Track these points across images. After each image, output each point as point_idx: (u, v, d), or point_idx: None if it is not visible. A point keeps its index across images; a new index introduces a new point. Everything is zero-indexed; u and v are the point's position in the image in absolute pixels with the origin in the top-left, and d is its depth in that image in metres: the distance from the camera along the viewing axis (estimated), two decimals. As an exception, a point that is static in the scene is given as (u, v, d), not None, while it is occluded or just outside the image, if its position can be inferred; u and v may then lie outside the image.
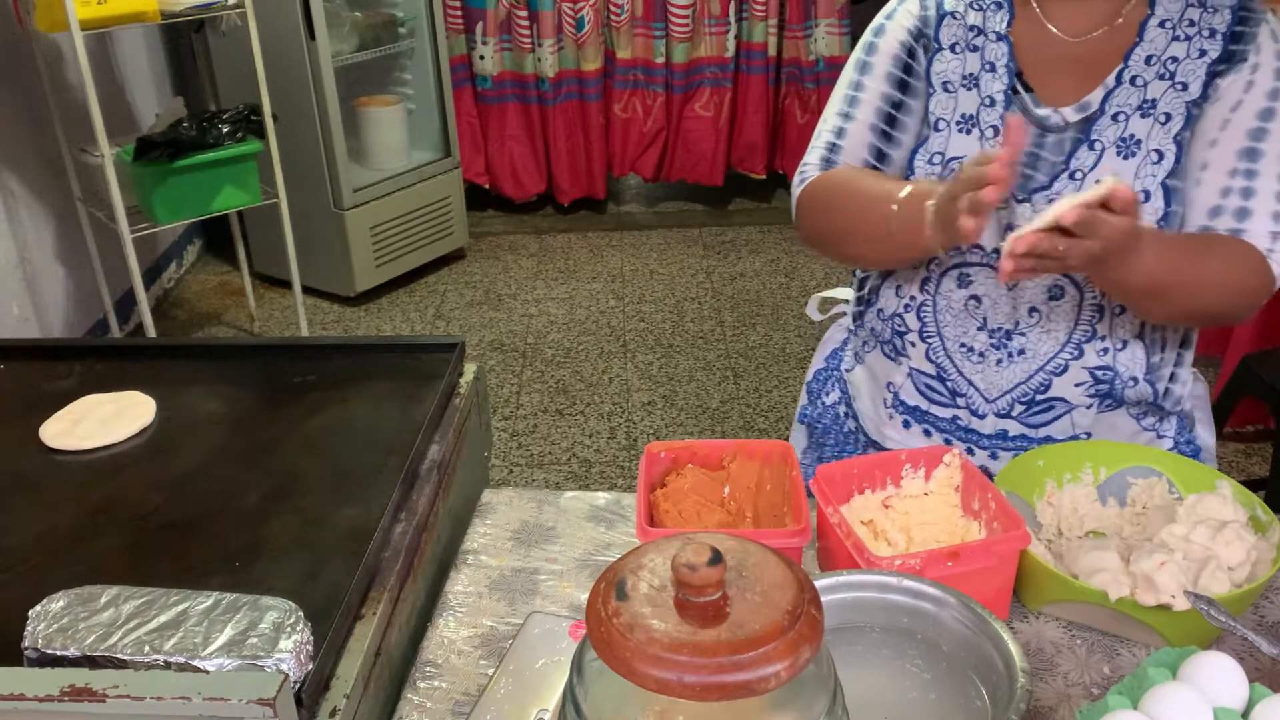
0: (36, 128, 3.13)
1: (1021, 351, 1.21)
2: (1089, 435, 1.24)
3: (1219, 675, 0.80)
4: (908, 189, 1.15)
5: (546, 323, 3.70)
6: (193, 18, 3.02)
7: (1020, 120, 1.04)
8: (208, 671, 0.81)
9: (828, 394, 1.44)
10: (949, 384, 1.25)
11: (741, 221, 4.56)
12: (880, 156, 1.26)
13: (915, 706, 0.89)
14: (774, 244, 4.32)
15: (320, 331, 3.64)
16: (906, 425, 1.30)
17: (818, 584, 0.72)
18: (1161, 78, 1.15)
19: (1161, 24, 1.16)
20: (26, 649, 0.85)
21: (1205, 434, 1.33)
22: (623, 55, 4.38)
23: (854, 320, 1.40)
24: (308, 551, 1.04)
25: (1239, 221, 1.14)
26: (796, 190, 1.30)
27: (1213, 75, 1.14)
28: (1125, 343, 1.20)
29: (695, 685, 0.54)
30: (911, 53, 1.24)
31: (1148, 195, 1.14)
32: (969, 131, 1.20)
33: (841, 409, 1.42)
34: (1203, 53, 1.15)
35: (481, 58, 4.34)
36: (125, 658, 0.82)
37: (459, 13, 4.26)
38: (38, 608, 0.87)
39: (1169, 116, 1.15)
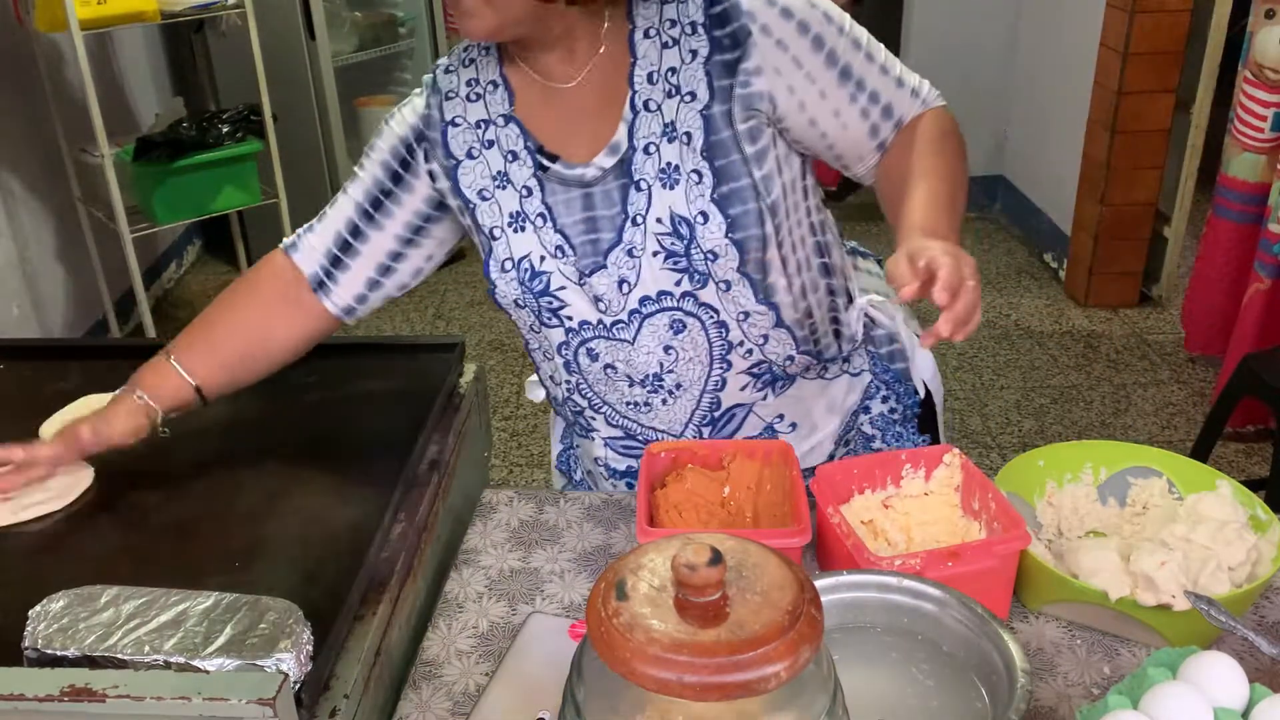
0: (36, 128, 3.13)
1: (679, 385, 1.20)
2: (782, 417, 1.24)
3: (1219, 675, 0.80)
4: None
5: (546, 323, 3.70)
6: (193, 18, 3.02)
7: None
8: (208, 671, 0.81)
9: (575, 471, 1.41)
10: (639, 438, 1.26)
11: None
12: (355, 233, 1.22)
13: (915, 706, 0.89)
14: (774, 244, 4.32)
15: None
16: (630, 487, 1.30)
17: (818, 584, 0.72)
18: (670, 95, 1.10)
19: (645, 34, 1.10)
20: (26, 649, 0.85)
21: (919, 358, 1.34)
22: (622, 55, 4.38)
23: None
24: (308, 551, 1.04)
25: (890, 118, 1.15)
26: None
27: (726, 67, 1.08)
28: (765, 336, 1.19)
29: (695, 685, 0.54)
30: (410, 149, 1.19)
31: (706, 217, 1.10)
32: (522, 229, 1.16)
33: (586, 486, 1.40)
34: (694, 53, 1.09)
35: (481, 58, 4.34)
36: (125, 658, 0.82)
37: (459, 13, 4.26)
38: (38, 608, 0.87)
39: (690, 135, 1.09)
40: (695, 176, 1.10)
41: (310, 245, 1.24)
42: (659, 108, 1.10)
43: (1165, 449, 1.16)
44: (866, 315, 1.31)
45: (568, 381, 1.25)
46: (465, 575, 1.12)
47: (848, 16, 1.14)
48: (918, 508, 1.09)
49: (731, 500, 1.11)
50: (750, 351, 1.19)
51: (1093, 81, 3.51)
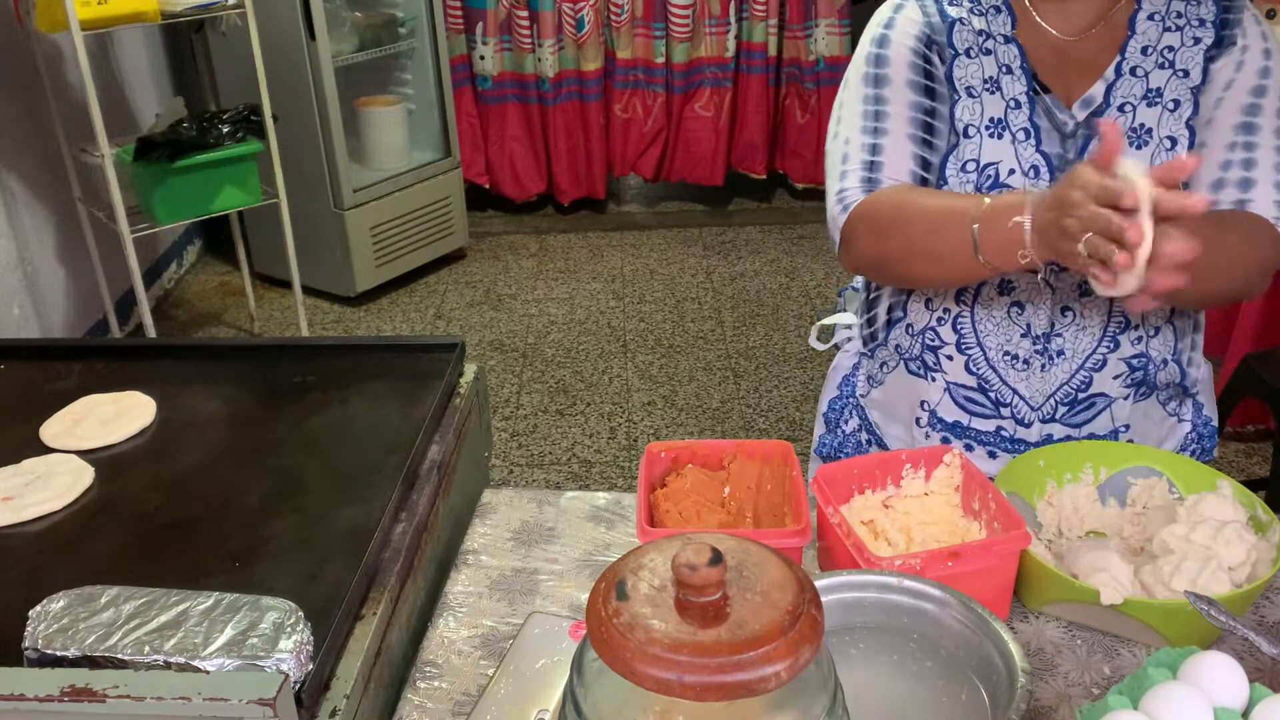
0: (36, 128, 3.13)
1: (1061, 353, 1.21)
2: (1128, 427, 1.25)
3: (1219, 675, 0.80)
4: (986, 203, 1.09)
5: (546, 323, 3.70)
6: (193, 18, 3.02)
7: (1115, 125, 0.99)
8: (208, 672, 0.81)
9: (846, 422, 1.41)
10: (992, 394, 1.24)
11: (741, 221, 4.57)
12: (926, 166, 1.21)
13: (915, 706, 0.89)
14: (774, 244, 4.32)
15: (320, 331, 3.64)
16: (946, 441, 1.28)
17: (818, 584, 0.72)
18: (1162, 67, 1.17)
19: (1150, 16, 1.18)
20: (26, 649, 0.85)
21: (1212, 414, 1.34)
22: (623, 55, 4.38)
23: (867, 343, 1.38)
24: (308, 551, 1.04)
25: (1243, 192, 1.15)
26: (841, 217, 1.21)
27: (1209, 60, 1.16)
28: (1157, 329, 1.22)
29: (695, 685, 0.54)
30: (928, 59, 1.21)
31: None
32: (1000, 136, 1.19)
33: (863, 436, 1.40)
34: (1197, 40, 1.17)
35: (482, 58, 4.34)
36: (125, 658, 0.82)
37: (459, 13, 4.26)
38: (38, 608, 0.87)
39: (1177, 103, 1.16)
40: (1169, 143, 1.15)
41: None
42: (1146, 75, 1.16)
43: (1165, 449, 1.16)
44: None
45: (948, 310, 1.24)
46: (465, 575, 1.12)
47: None
48: (918, 508, 1.09)
49: (731, 500, 1.11)
50: (1140, 339, 1.20)
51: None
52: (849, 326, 1.45)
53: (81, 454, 1.19)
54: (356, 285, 3.78)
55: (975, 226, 1.09)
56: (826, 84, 4.41)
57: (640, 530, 1.01)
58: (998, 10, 1.21)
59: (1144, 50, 1.18)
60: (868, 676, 0.89)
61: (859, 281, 1.44)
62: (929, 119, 1.21)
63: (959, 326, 1.24)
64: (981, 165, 1.19)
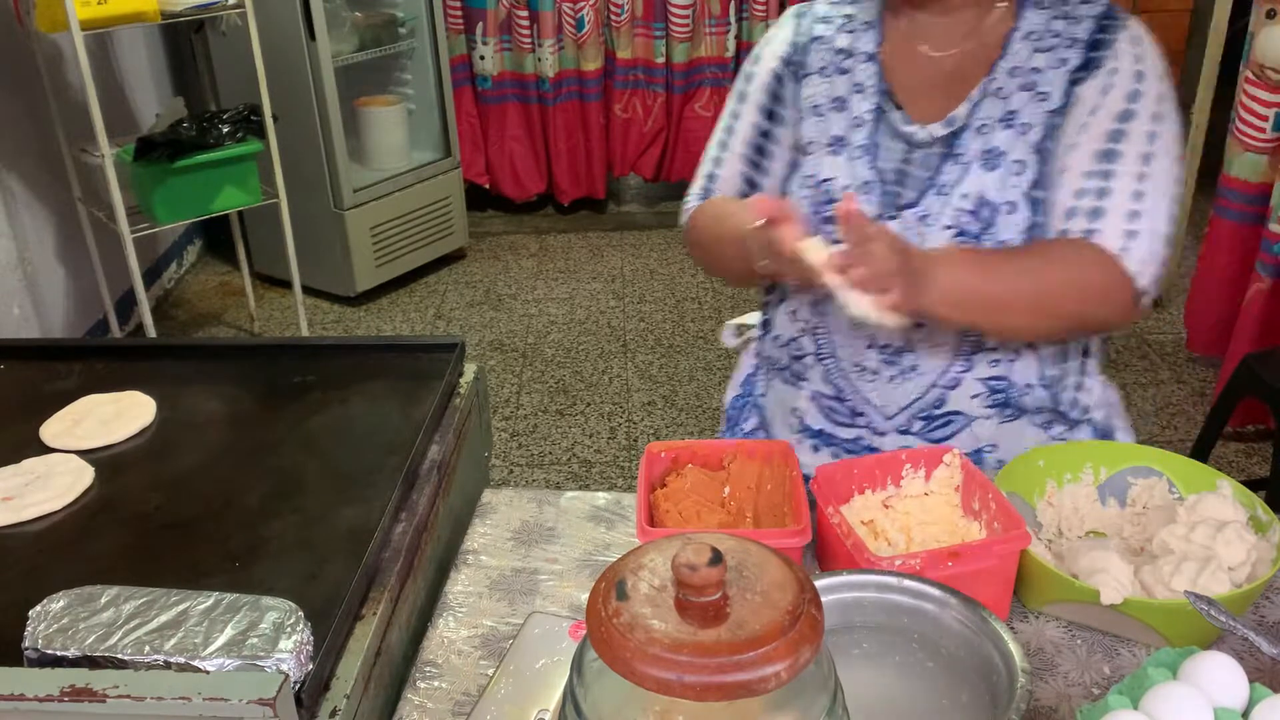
0: (36, 128, 3.13)
1: (914, 367, 1.20)
2: (994, 446, 1.24)
3: (1219, 675, 0.80)
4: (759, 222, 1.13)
5: (546, 323, 3.70)
6: (193, 18, 3.02)
7: (853, 210, 1.02)
8: (208, 672, 0.81)
9: (745, 421, 1.42)
10: (848, 404, 1.25)
11: (741, 221, 4.56)
12: (751, 184, 1.28)
13: (915, 706, 0.89)
14: (774, 244, 4.31)
15: (320, 331, 3.64)
16: (815, 449, 1.30)
17: (818, 584, 0.72)
18: (1023, 89, 1.15)
19: (1026, 36, 1.16)
20: (26, 649, 0.85)
21: (1125, 440, 1.32)
22: (623, 55, 4.38)
23: (761, 346, 1.40)
24: (308, 551, 1.04)
25: (1091, 222, 1.12)
26: (683, 221, 1.34)
27: (1073, 83, 1.14)
28: (1018, 352, 1.19)
29: (695, 685, 0.54)
30: (780, 79, 1.26)
31: (1013, 206, 1.13)
32: (839, 153, 1.20)
33: (760, 436, 1.40)
34: (1063, 61, 1.15)
35: (482, 58, 4.34)
36: (125, 658, 0.82)
37: (459, 13, 4.26)
38: (38, 608, 0.87)
39: (1029, 127, 1.14)
40: (1018, 166, 1.14)
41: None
42: (1008, 97, 1.15)
43: (1165, 449, 1.16)
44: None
45: (807, 321, 1.25)
46: (465, 575, 1.12)
47: (1177, 143, 1.14)
48: (918, 508, 1.09)
49: (731, 500, 1.11)
50: (996, 362, 1.19)
51: (1093, 81, 3.50)
52: (754, 326, 1.46)
53: (81, 454, 1.19)
54: (356, 285, 3.78)
55: (745, 242, 1.14)
56: (826, 84, 4.40)
57: (640, 530, 1.01)
58: (869, 26, 1.23)
59: (1011, 71, 1.16)
60: (868, 676, 0.89)
61: None
62: (763, 141, 1.27)
63: (817, 337, 1.25)
64: (818, 180, 1.21)
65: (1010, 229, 1.13)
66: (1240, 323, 2.78)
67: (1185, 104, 3.42)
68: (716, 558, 0.57)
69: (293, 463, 1.19)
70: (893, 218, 1.17)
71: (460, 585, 1.11)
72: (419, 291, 3.95)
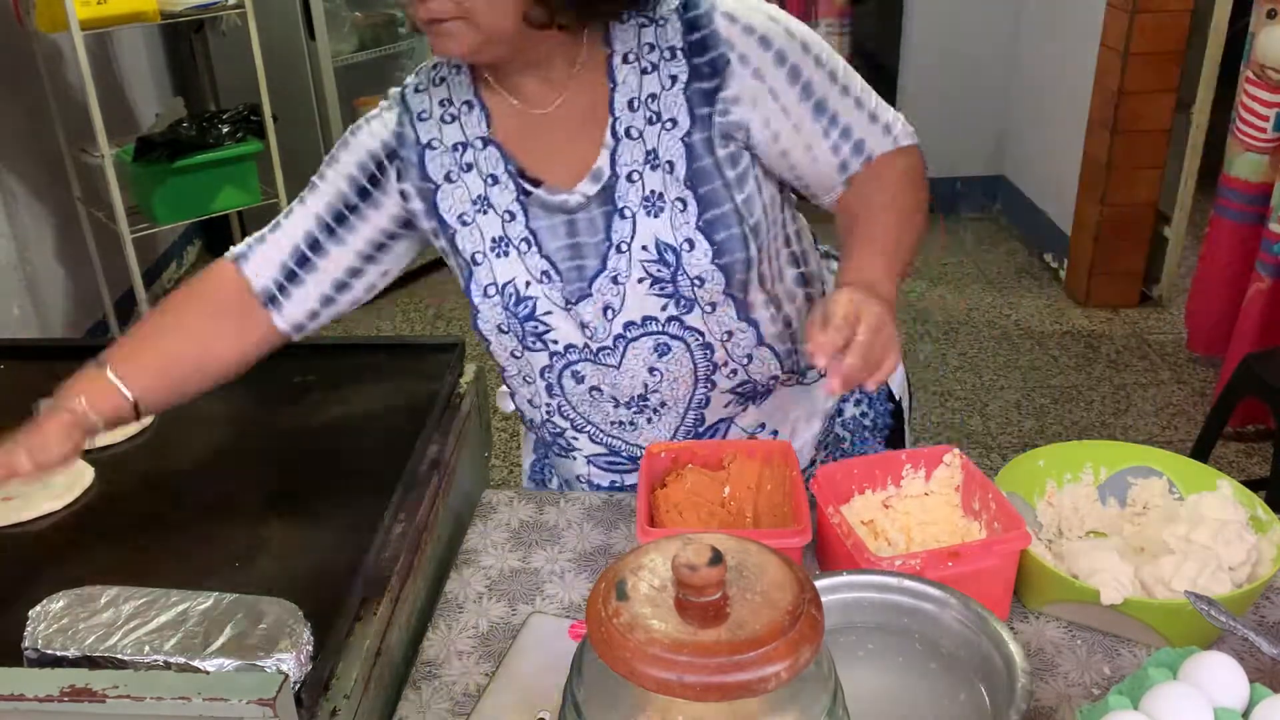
0: (36, 128, 3.12)
1: (663, 404, 1.20)
2: (764, 426, 1.25)
3: (1219, 675, 0.80)
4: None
5: (546, 323, 3.70)
6: (193, 18, 3.02)
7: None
8: (208, 672, 0.81)
9: (549, 481, 1.39)
10: (624, 454, 1.25)
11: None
12: (315, 247, 1.18)
13: (915, 707, 0.89)
14: (774, 244, 4.32)
15: (320, 331, 3.64)
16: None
17: (818, 584, 0.72)
18: (651, 122, 1.09)
19: (625, 59, 1.09)
20: (26, 649, 0.85)
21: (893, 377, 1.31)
22: (623, 55, 4.38)
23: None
24: (308, 551, 1.04)
25: (860, 154, 1.14)
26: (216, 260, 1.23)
27: (705, 95, 1.08)
28: (749, 356, 1.18)
29: (695, 685, 0.54)
30: (380, 165, 1.15)
31: (691, 244, 1.09)
32: (506, 254, 1.14)
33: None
34: (673, 79, 1.08)
35: (481, 58, 4.33)
36: (125, 658, 0.82)
37: (459, 13, 4.26)
38: (38, 608, 0.87)
39: (673, 164, 1.09)
40: (679, 205, 1.09)
41: (264, 257, 1.19)
42: (640, 135, 1.09)
43: (1165, 449, 1.16)
44: None
45: (548, 404, 1.23)
46: (465, 575, 1.12)
47: (825, 44, 1.13)
48: (918, 508, 1.09)
49: (731, 500, 1.11)
50: (735, 372, 1.19)
51: (1093, 81, 3.51)
52: None
53: (81, 454, 1.19)
54: (356, 285, 3.78)
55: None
56: (826, 84, 4.40)
57: (640, 530, 1.01)
58: (470, 106, 1.14)
59: (630, 104, 1.09)
60: (868, 676, 0.89)
61: None
62: (346, 212, 1.17)
63: (565, 413, 1.23)
64: (500, 285, 1.14)
65: (696, 263, 1.10)
66: (1240, 323, 2.78)
67: (1185, 104, 3.42)
68: (716, 558, 0.57)
69: (293, 463, 1.19)
70: (587, 294, 1.13)
71: (460, 585, 1.11)
72: (419, 291, 3.95)
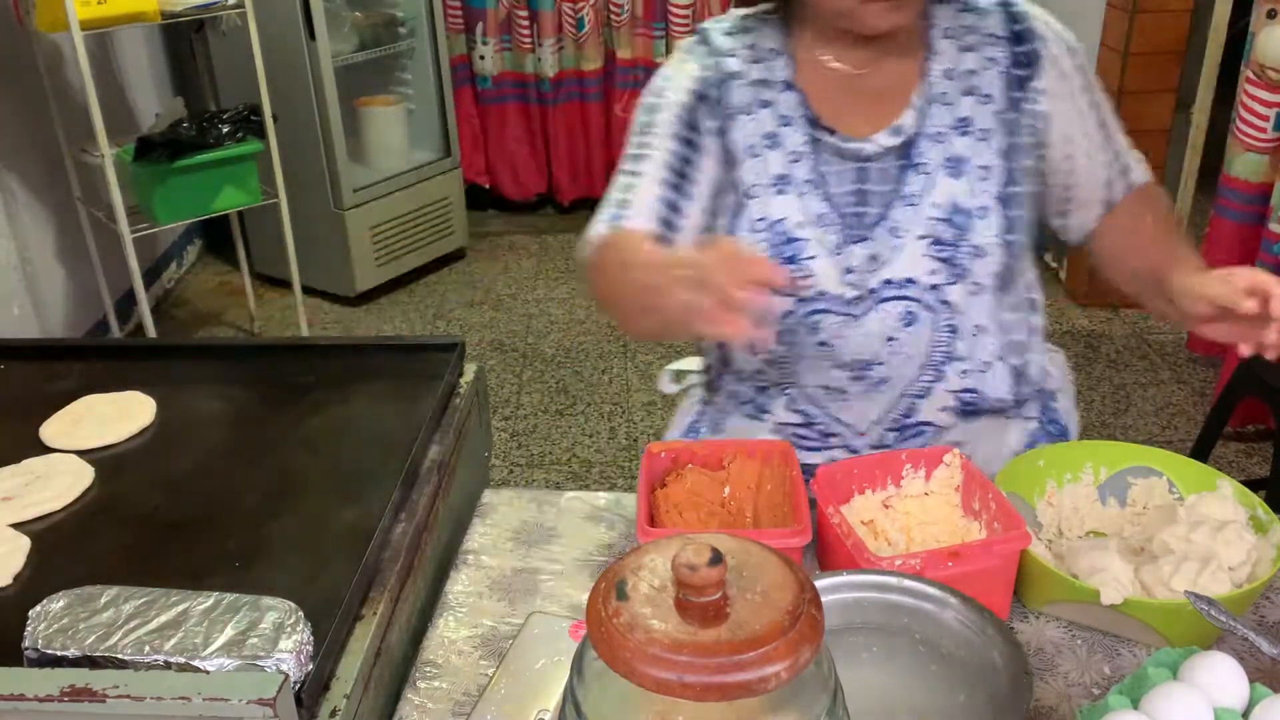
0: (36, 128, 3.12)
1: (884, 380, 1.19)
2: (962, 446, 1.22)
3: (1219, 675, 0.80)
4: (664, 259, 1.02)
5: (546, 323, 3.70)
6: (193, 18, 3.02)
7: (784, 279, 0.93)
8: (208, 672, 0.81)
9: None
10: (818, 427, 1.24)
11: (741, 221, 4.56)
12: (673, 208, 1.17)
13: (916, 706, 0.89)
14: (774, 244, 4.31)
15: (320, 331, 3.64)
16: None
17: (818, 584, 0.72)
18: (967, 94, 1.15)
19: (945, 34, 1.17)
20: (26, 649, 0.85)
21: (1068, 405, 1.32)
22: (623, 55, 4.38)
23: (708, 389, 1.36)
24: (308, 551, 1.04)
25: (1125, 178, 1.23)
26: (585, 253, 1.20)
27: (1018, 81, 1.15)
28: (988, 364, 1.19)
29: (695, 685, 0.54)
30: (694, 111, 1.18)
31: (985, 211, 1.14)
32: (784, 191, 1.16)
33: None
34: (993, 61, 1.16)
35: (482, 58, 4.34)
36: (125, 658, 0.82)
37: (459, 13, 4.26)
38: (38, 608, 0.87)
39: (988, 132, 1.15)
40: (983, 171, 1.14)
41: (634, 226, 1.17)
42: (953, 102, 1.15)
43: (1165, 449, 1.16)
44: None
45: (770, 351, 1.22)
46: (465, 575, 1.12)
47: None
48: (918, 508, 1.09)
49: (731, 500, 1.11)
50: (965, 373, 1.19)
51: (1093, 81, 3.50)
52: (697, 371, 1.41)
53: (81, 454, 1.19)
54: (356, 285, 3.78)
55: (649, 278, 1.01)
56: (826, 84, 4.40)
57: (640, 530, 1.01)
58: (776, 53, 1.18)
59: (946, 74, 1.16)
60: (868, 676, 0.89)
61: None
62: (683, 167, 1.18)
63: (780, 368, 1.22)
64: (771, 222, 1.16)
65: (984, 232, 1.14)
66: (1240, 322, 2.78)
67: (1185, 104, 3.42)
68: (716, 558, 0.57)
69: (293, 463, 1.19)
70: (863, 239, 1.15)
71: (460, 585, 1.11)
72: (419, 291, 3.95)
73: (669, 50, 4.37)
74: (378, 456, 1.17)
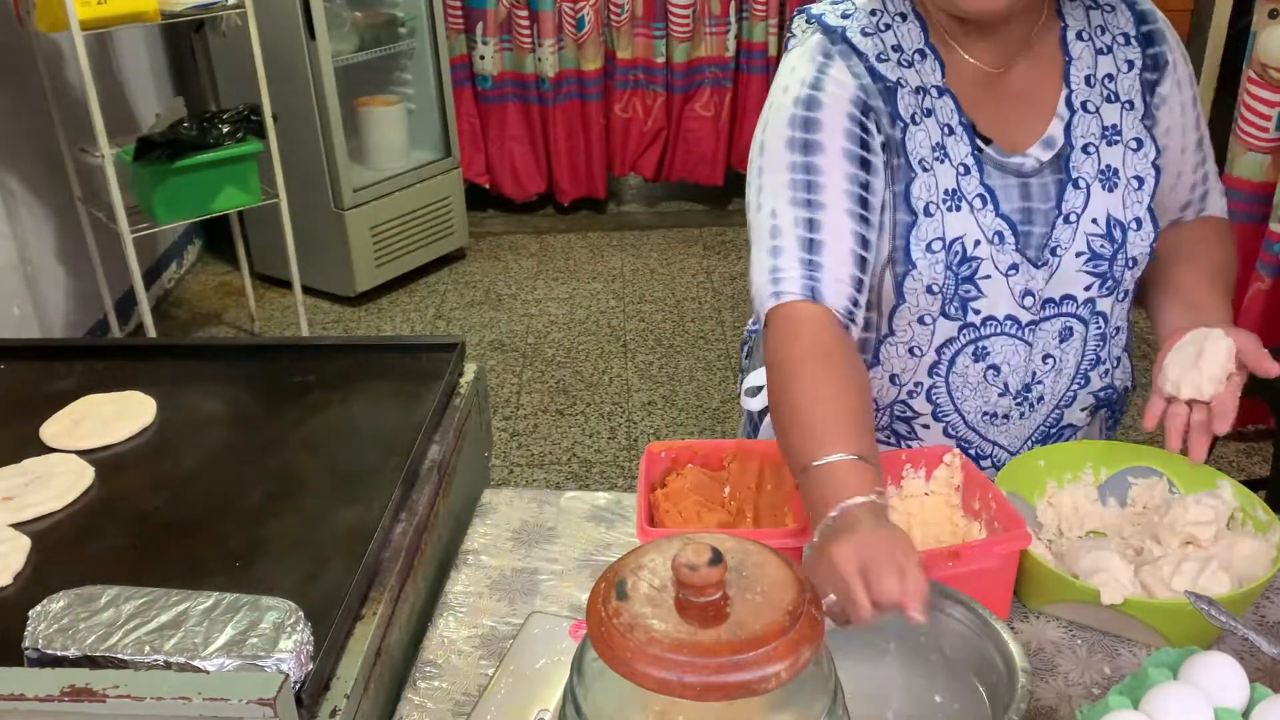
0: (36, 128, 3.12)
1: (1041, 398, 1.18)
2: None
3: (1219, 675, 0.80)
4: (815, 466, 0.93)
5: (546, 323, 3.70)
6: (193, 18, 3.02)
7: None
8: (208, 671, 0.81)
9: None
10: (972, 450, 1.21)
11: (741, 221, 4.50)
12: (864, 244, 1.07)
13: (915, 706, 0.89)
14: (774, 244, 4.31)
15: (320, 331, 3.64)
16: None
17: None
18: (1109, 100, 1.12)
19: (1079, 36, 1.12)
20: (26, 649, 0.85)
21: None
22: (623, 55, 4.38)
23: None
24: (308, 551, 1.04)
25: (1202, 202, 1.22)
26: (770, 301, 1.05)
27: (1149, 85, 1.13)
28: (1119, 359, 1.21)
29: (695, 685, 0.54)
30: (865, 128, 1.08)
31: (1139, 223, 1.12)
32: (957, 208, 1.09)
33: None
34: (1130, 64, 1.13)
35: (482, 57, 4.34)
36: (125, 658, 0.82)
37: (459, 13, 4.26)
38: (38, 608, 0.87)
39: (1140, 142, 1.12)
40: (1136, 182, 1.12)
41: (835, 279, 1.05)
42: (1097, 110, 1.12)
43: (1165, 449, 1.16)
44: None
45: (919, 384, 1.16)
46: (465, 575, 1.12)
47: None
48: (918, 508, 1.09)
49: (731, 500, 1.11)
50: (1107, 372, 1.20)
51: (1093, 81, 3.50)
52: None
53: (81, 454, 1.19)
54: (356, 285, 3.78)
55: (801, 474, 0.95)
56: (827, 84, 4.40)
57: (640, 530, 1.01)
58: (923, 55, 1.10)
59: (1087, 80, 1.12)
60: (868, 676, 0.89)
61: None
62: (865, 193, 1.07)
63: (934, 397, 1.18)
64: (948, 242, 1.09)
65: (1139, 244, 1.12)
66: (1241, 322, 2.77)
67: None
68: (716, 558, 0.57)
69: (293, 463, 1.19)
70: (1032, 259, 1.10)
71: (460, 585, 1.11)
72: (419, 291, 3.95)
73: (669, 50, 4.37)
74: (378, 456, 1.17)
